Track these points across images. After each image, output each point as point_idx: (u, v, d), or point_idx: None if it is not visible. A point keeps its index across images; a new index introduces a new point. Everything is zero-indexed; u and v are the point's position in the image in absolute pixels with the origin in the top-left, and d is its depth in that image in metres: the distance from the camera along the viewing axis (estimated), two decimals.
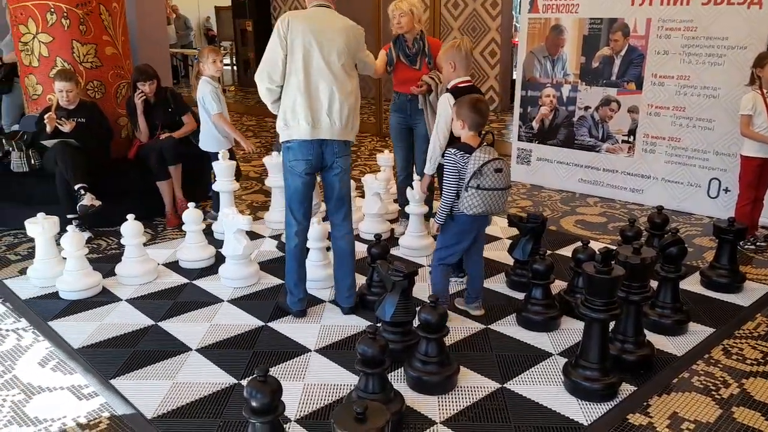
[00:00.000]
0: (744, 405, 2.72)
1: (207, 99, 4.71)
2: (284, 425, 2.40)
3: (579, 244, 3.53)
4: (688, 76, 5.30)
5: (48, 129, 4.76)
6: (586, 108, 5.92)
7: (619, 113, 5.74)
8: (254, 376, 2.17)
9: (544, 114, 6.21)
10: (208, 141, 4.84)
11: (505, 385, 2.85)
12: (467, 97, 3.28)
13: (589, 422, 2.58)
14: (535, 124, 6.30)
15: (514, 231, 4.30)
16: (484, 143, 3.22)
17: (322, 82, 3.19)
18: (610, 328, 2.87)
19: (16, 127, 5.96)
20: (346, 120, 3.27)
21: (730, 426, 2.58)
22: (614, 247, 3.00)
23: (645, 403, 2.73)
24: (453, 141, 3.43)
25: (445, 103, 3.54)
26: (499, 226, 4.99)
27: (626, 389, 2.79)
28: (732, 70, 5.06)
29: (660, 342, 3.19)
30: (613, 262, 2.73)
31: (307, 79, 3.17)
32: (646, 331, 3.07)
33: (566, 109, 6.05)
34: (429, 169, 3.74)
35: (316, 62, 3.17)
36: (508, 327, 3.39)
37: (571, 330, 3.33)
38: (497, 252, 4.39)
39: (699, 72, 5.24)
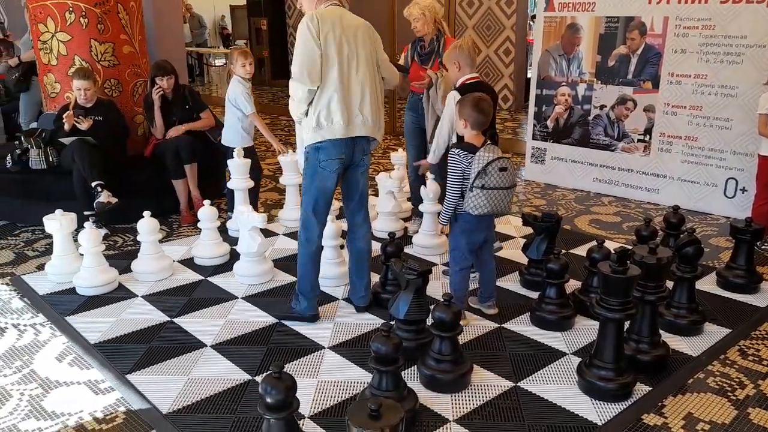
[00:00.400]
0: (760, 406, 2.70)
1: (240, 100, 4.71)
2: (298, 422, 2.41)
3: (593, 243, 3.51)
4: (706, 75, 5.25)
5: (66, 127, 4.82)
6: (602, 107, 5.88)
7: (635, 112, 5.70)
8: (269, 372, 2.18)
9: (559, 113, 6.18)
10: (231, 136, 4.84)
11: (518, 384, 2.84)
12: (469, 96, 3.28)
13: (603, 422, 2.57)
14: (549, 123, 6.27)
15: (529, 230, 4.29)
16: (488, 142, 3.21)
17: (354, 79, 3.17)
18: (625, 327, 2.85)
19: (34, 125, 6.04)
20: (376, 116, 3.26)
21: (745, 427, 2.56)
22: (630, 247, 2.98)
23: (660, 404, 2.71)
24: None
25: (451, 100, 3.56)
26: (513, 225, 4.98)
27: (641, 389, 2.78)
28: (750, 69, 5.01)
29: (675, 342, 3.17)
30: (628, 262, 2.72)
31: (341, 75, 3.12)
32: (661, 332, 3.05)
33: (581, 107, 6.02)
34: (431, 158, 3.84)
35: (347, 58, 3.14)
36: (522, 326, 3.38)
37: (585, 329, 3.31)
38: (511, 251, 4.38)
39: (716, 71, 5.19)
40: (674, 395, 2.77)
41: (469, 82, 3.65)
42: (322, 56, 3.08)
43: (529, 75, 9.24)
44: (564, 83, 6.10)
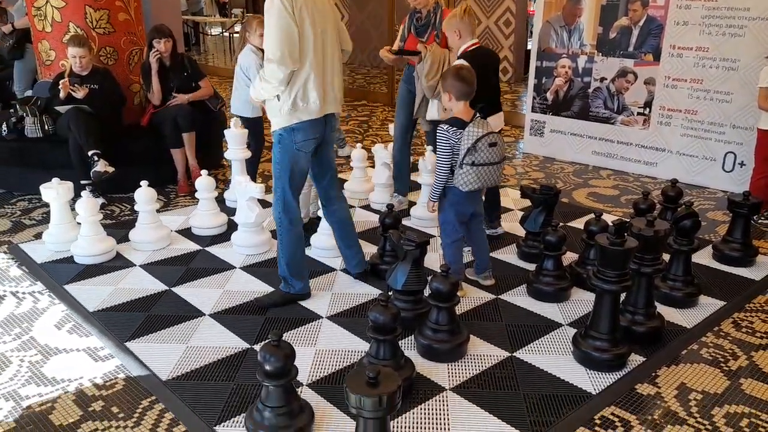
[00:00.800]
0: (752, 377, 2.73)
1: (252, 71, 4.65)
2: (296, 389, 2.44)
3: (591, 216, 3.52)
4: (707, 48, 5.21)
5: (61, 95, 4.77)
6: (602, 79, 5.84)
7: (636, 85, 5.66)
8: (268, 340, 2.20)
9: (558, 85, 6.13)
10: (241, 105, 4.80)
11: (514, 354, 2.87)
12: (450, 68, 3.26)
13: (598, 391, 2.60)
14: (549, 96, 6.23)
15: (527, 203, 4.29)
16: (477, 116, 3.17)
17: (327, 54, 3.06)
18: (621, 299, 2.87)
19: (29, 93, 5.98)
20: (341, 91, 3.20)
21: (737, 397, 2.60)
22: (628, 220, 2.99)
23: (653, 374, 2.74)
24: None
25: None
26: (511, 198, 4.98)
27: (635, 360, 2.81)
28: (752, 42, 4.97)
29: (670, 314, 3.19)
30: (626, 234, 2.73)
31: (316, 53, 2.99)
32: (656, 304, 3.07)
33: (582, 80, 5.98)
34: None
35: (320, 33, 3.00)
36: (519, 297, 3.40)
37: (581, 301, 3.34)
38: (509, 223, 4.38)
39: (718, 43, 5.14)
40: (668, 366, 2.81)
41: (471, 48, 3.62)
42: (299, 34, 2.90)
43: (529, 47, 9.15)
44: (564, 55, 6.04)
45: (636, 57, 5.61)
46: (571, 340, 2.87)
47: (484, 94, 3.52)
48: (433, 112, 4.16)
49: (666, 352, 2.90)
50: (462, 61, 3.52)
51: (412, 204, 4.66)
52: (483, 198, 4.07)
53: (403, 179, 4.64)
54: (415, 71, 4.20)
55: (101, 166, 4.50)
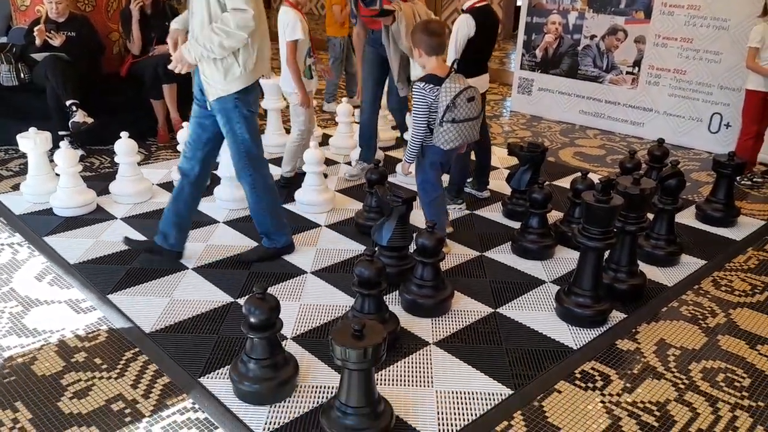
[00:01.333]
0: (730, 334, 2.79)
1: None
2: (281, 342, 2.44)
3: (578, 175, 3.51)
4: (699, 6, 5.15)
5: (37, 42, 4.62)
6: (592, 37, 5.77)
7: (626, 43, 5.60)
8: (253, 293, 2.19)
9: (548, 42, 6.05)
10: None
11: (497, 309, 2.89)
12: (418, 22, 3.19)
13: (579, 346, 2.64)
14: (538, 53, 6.15)
15: (513, 161, 4.27)
16: (453, 71, 3.07)
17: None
18: (605, 257, 2.89)
19: (4, 40, 5.77)
20: None
21: (714, 353, 2.65)
22: (614, 178, 2.98)
23: (634, 330, 2.78)
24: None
25: (464, 21, 3.49)
26: (497, 156, 4.95)
27: (616, 316, 2.84)
28: (744, 1, 4.91)
29: (652, 273, 3.23)
30: (612, 192, 2.73)
31: (260, 3, 2.84)
32: (639, 262, 3.10)
33: (571, 37, 5.90)
34: None
35: None
36: (503, 255, 3.41)
37: (565, 259, 3.36)
38: (495, 181, 4.36)
39: (710, 1, 5.08)
40: (648, 322, 2.85)
41: (479, 5, 3.54)
42: None
43: (519, 2, 8.99)
44: (555, 11, 5.94)
45: (627, 14, 5.53)
46: (555, 297, 2.89)
47: (485, 49, 3.53)
48: (417, 71, 4.03)
49: (647, 309, 2.94)
50: (467, 18, 3.47)
51: (398, 161, 4.62)
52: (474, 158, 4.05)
53: (371, 147, 4.43)
54: (389, 35, 3.98)
55: (80, 117, 4.39)
